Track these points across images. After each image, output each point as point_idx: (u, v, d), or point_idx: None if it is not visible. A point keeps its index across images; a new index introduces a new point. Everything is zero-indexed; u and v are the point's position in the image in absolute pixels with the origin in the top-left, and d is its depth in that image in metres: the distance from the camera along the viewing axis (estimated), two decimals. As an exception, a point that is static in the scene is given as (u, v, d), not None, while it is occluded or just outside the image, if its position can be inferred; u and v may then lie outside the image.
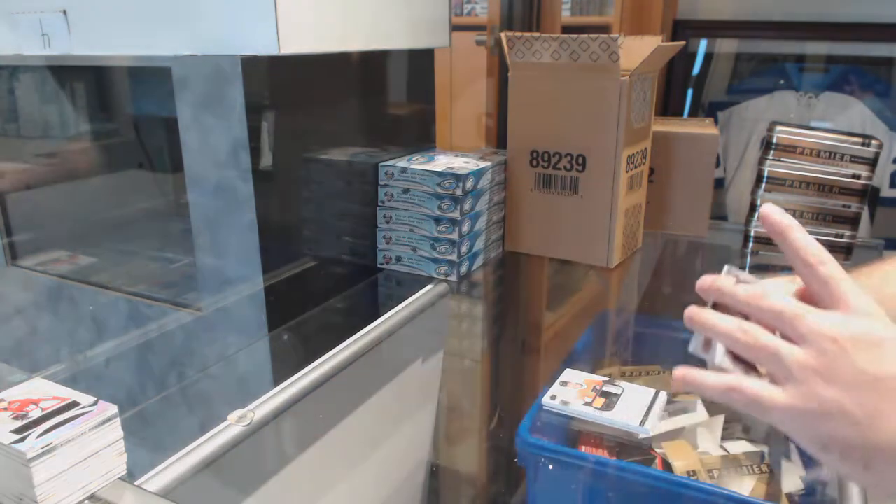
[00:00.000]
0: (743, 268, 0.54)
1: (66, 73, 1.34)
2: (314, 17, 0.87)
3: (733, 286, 0.41)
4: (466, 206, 1.05)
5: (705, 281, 0.42)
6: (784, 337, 0.39)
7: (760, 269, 1.16)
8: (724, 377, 0.40)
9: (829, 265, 0.40)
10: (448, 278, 1.08)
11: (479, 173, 1.07)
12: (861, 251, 1.20)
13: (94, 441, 0.55)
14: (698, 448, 0.70)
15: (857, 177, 1.11)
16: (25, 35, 1.00)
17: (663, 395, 0.73)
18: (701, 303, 0.44)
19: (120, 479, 0.58)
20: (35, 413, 0.55)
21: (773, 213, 0.41)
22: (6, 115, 1.39)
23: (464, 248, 1.07)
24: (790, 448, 0.73)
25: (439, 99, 1.28)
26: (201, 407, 0.86)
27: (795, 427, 0.38)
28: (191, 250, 1.02)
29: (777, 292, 0.40)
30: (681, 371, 0.42)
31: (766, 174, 1.16)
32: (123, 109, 1.40)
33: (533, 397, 0.73)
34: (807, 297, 0.41)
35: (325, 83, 1.03)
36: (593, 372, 0.78)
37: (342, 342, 0.89)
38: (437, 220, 1.05)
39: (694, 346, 0.45)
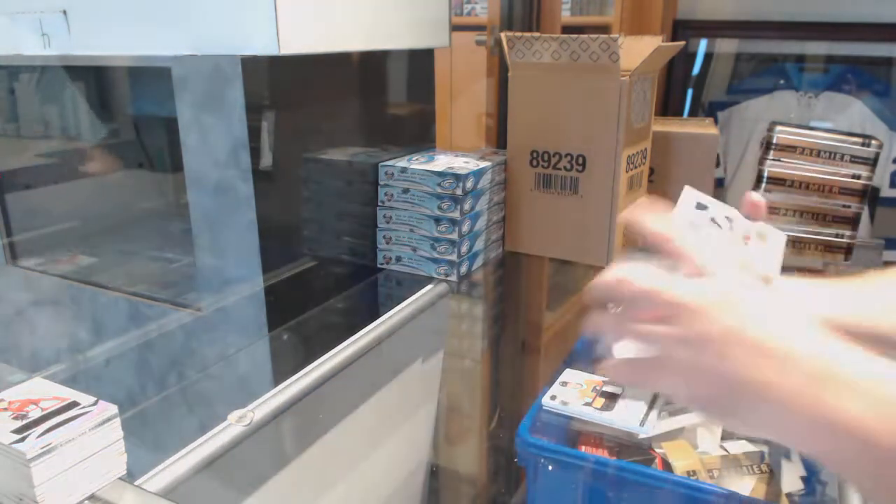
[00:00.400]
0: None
1: (66, 74, 1.34)
2: (314, 17, 0.87)
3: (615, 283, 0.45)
4: (466, 206, 1.05)
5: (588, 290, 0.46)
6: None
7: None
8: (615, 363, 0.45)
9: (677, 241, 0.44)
10: (448, 278, 1.08)
11: (479, 173, 1.07)
12: (861, 251, 1.19)
13: (94, 441, 0.55)
14: (698, 448, 0.70)
15: (857, 177, 1.11)
16: (25, 35, 1.00)
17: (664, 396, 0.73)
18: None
19: (120, 479, 0.58)
20: (35, 413, 0.55)
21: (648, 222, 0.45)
22: (6, 115, 1.39)
23: (464, 248, 1.07)
24: (790, 448, 0.73)
25: (439, 99, 1.28)
26: (201, 407, 0.86)
27: (666, 390, 0.44)
28: (191, 250, 1.02)
29: (639, 273, 0.44)
30: (602, 365, 0.46)
31: (766, 174, 1.16)
32: (123, 109, 1.40)
33: (533, 397, 0.73)
34: None
35: (325, 83, 1.03)
36: (593, 372, 0.78)
37: (342, 342, 0.89)
38: (437, 220, 1.05)
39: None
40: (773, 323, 0.40)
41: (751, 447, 0.70)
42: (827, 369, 0.38)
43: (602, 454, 0.68)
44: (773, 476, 0.65)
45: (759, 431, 0.43)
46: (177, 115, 0.96)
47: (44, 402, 0.57)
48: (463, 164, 1.08)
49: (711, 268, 0.43)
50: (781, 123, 1.16)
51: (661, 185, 1.26)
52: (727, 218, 0.55)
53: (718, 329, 0.40)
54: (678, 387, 0.43)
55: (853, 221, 1.14)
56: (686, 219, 0.53)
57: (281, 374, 0.83)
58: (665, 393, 0.45)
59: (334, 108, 1.06)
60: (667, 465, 0.66)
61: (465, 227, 1.07)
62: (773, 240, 0.56)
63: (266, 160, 0.94)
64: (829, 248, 1.14)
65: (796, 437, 0.40)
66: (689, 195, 0.54)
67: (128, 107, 1.40)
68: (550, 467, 0.64)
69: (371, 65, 1.12)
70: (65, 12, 0.96)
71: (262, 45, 0.82)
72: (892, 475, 0.36)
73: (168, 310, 1.08)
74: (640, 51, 1.07)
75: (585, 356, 0.87)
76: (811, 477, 0.69)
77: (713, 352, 0.40)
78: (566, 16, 2.06)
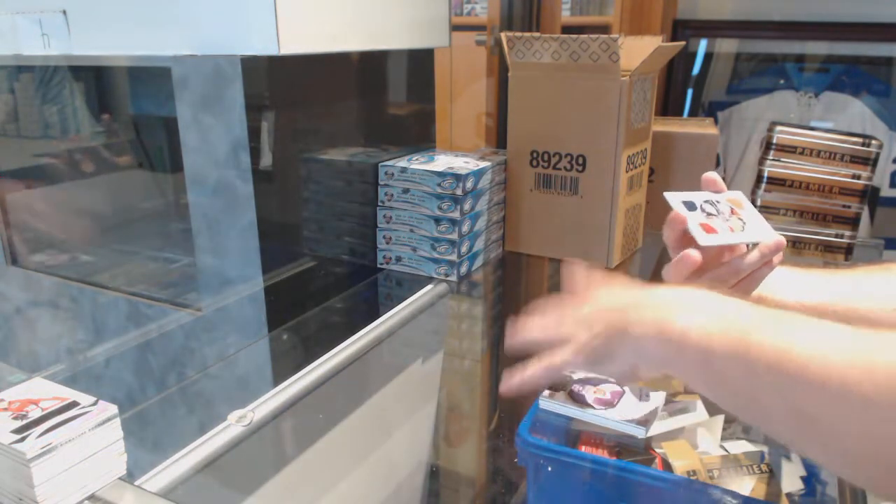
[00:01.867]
0: None
1: (66, 73, 1.34)
2: (314, 17, 0.87)
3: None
4: (466, 206, 1.05)
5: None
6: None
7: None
8: (534, 367, 0.55)
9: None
10: (448, 278, 1.08)
11: (479, 173, 1.07)
12: (861, 251, 1.20)
13: (94, 441, 0.55)
14: (698, 448, 0.69)
15: (857, 177, 1.11)
16: (25, 35, 1.00)
17: (663, 395, 0.73)
18: None
19: (120, 479, 0.58)
20: (35, 413, 0.55)
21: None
22: (5, 115, 1.39)
23: (464, 248, 1.07)
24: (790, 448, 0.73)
25: (439, 99, 1.28)
26: (201, 407, 0.86)
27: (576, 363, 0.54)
28: (191, 250, 1.02)
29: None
30: (505, 385, 0.56)
31: (766, 174, 1.16)
32: (123, 109, 1.40)
33: (533, 397, 0.73)
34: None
35: (325, 83, 1.03)
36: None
37: (342, 342, 0.89)
38: (437, 220, 1.05)
39: None
40: (636, 289, 0.53)
41: (751, 447, 0.70)
42: (673, 300, 0.48)
43: (602, 454, 0.68)
44: (773, 476, 0.65)
45: (627, 360, 0.51)
46: (177, 115, 0.96)
47: (44, 402, 0.57)
48: (463, 164, 1.08)
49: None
50: (781, 123, 1.16)
51: (661, 185, 1.26)
52: (707, 202, 0.65)
53: (599, 307, 0.53)
54: (566, 352, 0.54)
55: (853, 221, 1.14)
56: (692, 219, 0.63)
57: (281, 374, 0.83)
58: (560, 365, 0.55)
59: (334, 108, 1.06)
60: (667, 465, 0.66)
61: (465, 227, 1.07)
62: (744, 200, 0.67)
63: (266, 160, 0.94)
64: (829, 248, 1.14)
65: (653, 356, 0.48)
66: (674, 198, 0.65)
67: (128, 107, 1.40)
68: (550, 467, 0.64)
69: (371, 65, 1.12)
70: (65, 12, 0.96)
71: (261, 45, 0.82)
72: (728, 374, 0.43)
73: (168, 310, 1.08)
74: (640, 51, 1.07)
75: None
76: (811, 477, 0.69)
77: (595, 320, 0.52)
78: (566, 16, 2.06)
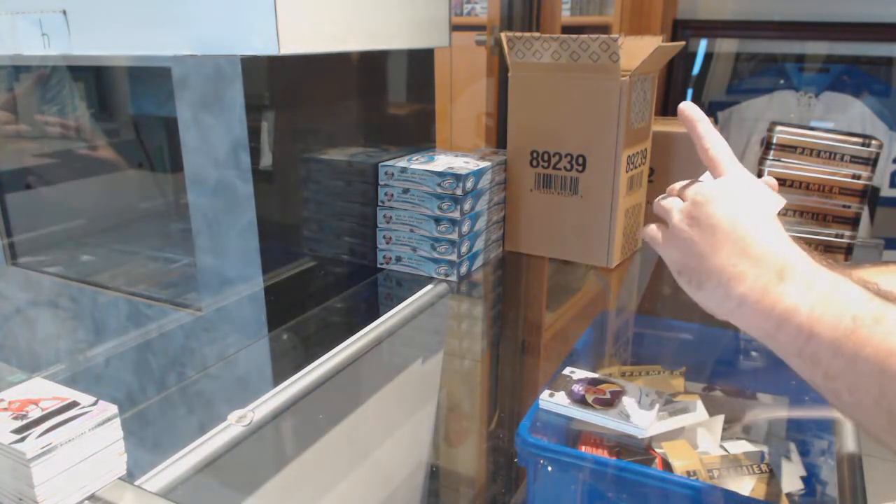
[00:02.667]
0: None
1: (66, 73, 1.34)
2: (314, 17, 0.87)
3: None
4: (466, 207, 1.05)
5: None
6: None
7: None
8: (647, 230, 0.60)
9: (711, 141, 0.63)
10: (448, 278, 1.08)
11: (479, 173, 1.07)
12: (861, 251, 1.20)
13: (94, 441, 0.55)
14: (698, 448, 0.70)
15: (857, 177, 1.11)
16: (25, 35, 1.00)
17: (663, 396, 0.73)
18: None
19: (120, 479, 0.58)
20: (35, 413, 0.55)
21: (687, 108, 0.63)
22: (4, 115, 1.39)
23: (464, 248, 1.07)
24: (790, 448, 0.73)
25: (439, 99, 1.28)
26: (201, 407, 0.86)
27: (667, 257, 0.56)
28: (191, 250, 1.02)
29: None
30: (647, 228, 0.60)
31: (765, 174, 1.15)
32: (123, 109, 1.40)
33: (533, 397, 0.73)
34: None
35: (325, 83, 1.03)
36: (593, 372, 0.78)
37: (342, 342, 0.89)
38: (438, 220, 1.05)
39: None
40: (756, 224, 0.51)
41: (751, 447, 0.70)
42: (785, 271, 0.47)
43: (602, 454, 0.68)
44: (773, 476, 0.65)
45: (715, 307, 0.51)
46: (177, 115, 0.96)
47: (44, 402, 0.57)
48: (463, 164, 1.08)
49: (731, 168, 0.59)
50: (781, 123, 1.16)
51: (661, 185, 1.25)
52: None
53: (718, 215, 0.52)
54: (673, 252, 0.54)
55: (853, 221, 1.13)
56: None
57: (281, 374, 0.83)
58: (662, 254, 0.57)
59: (334, 108, 1.06)
60: (667, 465, 0.66)
61: (465, 227, 1.07)
62: None
63: (266, 160, 0.94)
64: (829, 248, 1.14)
65: (748, 319, 0.48)
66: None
67: (128, 107, 1.40)
68: (550, 467, 0.64)
69: (371, 65, 1.12)
70: (65, 12, 0.95)
71: (261, 45, 0.82)
72: (826, 360, 0.43)
73: (168, 310, 1.08)
74: (640, 51, 1.07)
75: (585, 356, 0.87)
76: (811, 477, 0.69)
77: (707, 233, 0.51)
78: (566, 16, 2.06)
